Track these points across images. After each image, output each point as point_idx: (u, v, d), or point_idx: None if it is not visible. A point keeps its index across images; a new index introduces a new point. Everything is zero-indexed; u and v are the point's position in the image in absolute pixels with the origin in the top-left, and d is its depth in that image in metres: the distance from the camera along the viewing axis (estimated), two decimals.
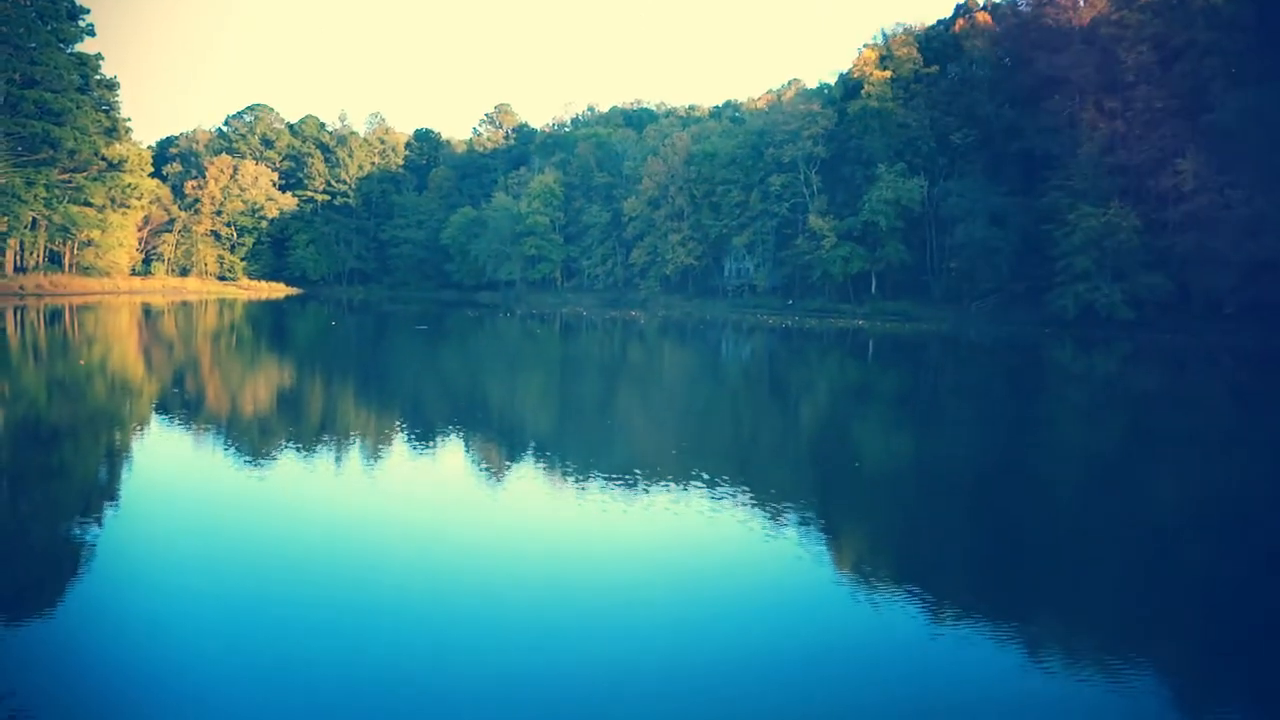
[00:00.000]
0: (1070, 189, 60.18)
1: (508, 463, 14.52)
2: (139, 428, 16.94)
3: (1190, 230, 54.14)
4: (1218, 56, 54.53)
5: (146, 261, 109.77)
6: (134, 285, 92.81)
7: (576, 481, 12.92)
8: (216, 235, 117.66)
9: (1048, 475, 15.27)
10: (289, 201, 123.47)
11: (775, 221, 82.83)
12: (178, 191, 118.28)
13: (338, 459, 14.20)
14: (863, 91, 76.17)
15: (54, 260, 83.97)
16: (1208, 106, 54.14)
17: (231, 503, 11.27)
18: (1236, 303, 51.27)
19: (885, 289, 75.38)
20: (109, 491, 11.91)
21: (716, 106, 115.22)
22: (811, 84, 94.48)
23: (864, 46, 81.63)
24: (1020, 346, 46.59)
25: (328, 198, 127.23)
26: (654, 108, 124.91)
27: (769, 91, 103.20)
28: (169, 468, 13.25)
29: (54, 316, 49.67)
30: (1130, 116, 58.97)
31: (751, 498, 11.95)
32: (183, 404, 20.12)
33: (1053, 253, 59.01)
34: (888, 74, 75.53)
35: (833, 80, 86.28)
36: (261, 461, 13.86)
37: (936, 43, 76.91)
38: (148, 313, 59.22)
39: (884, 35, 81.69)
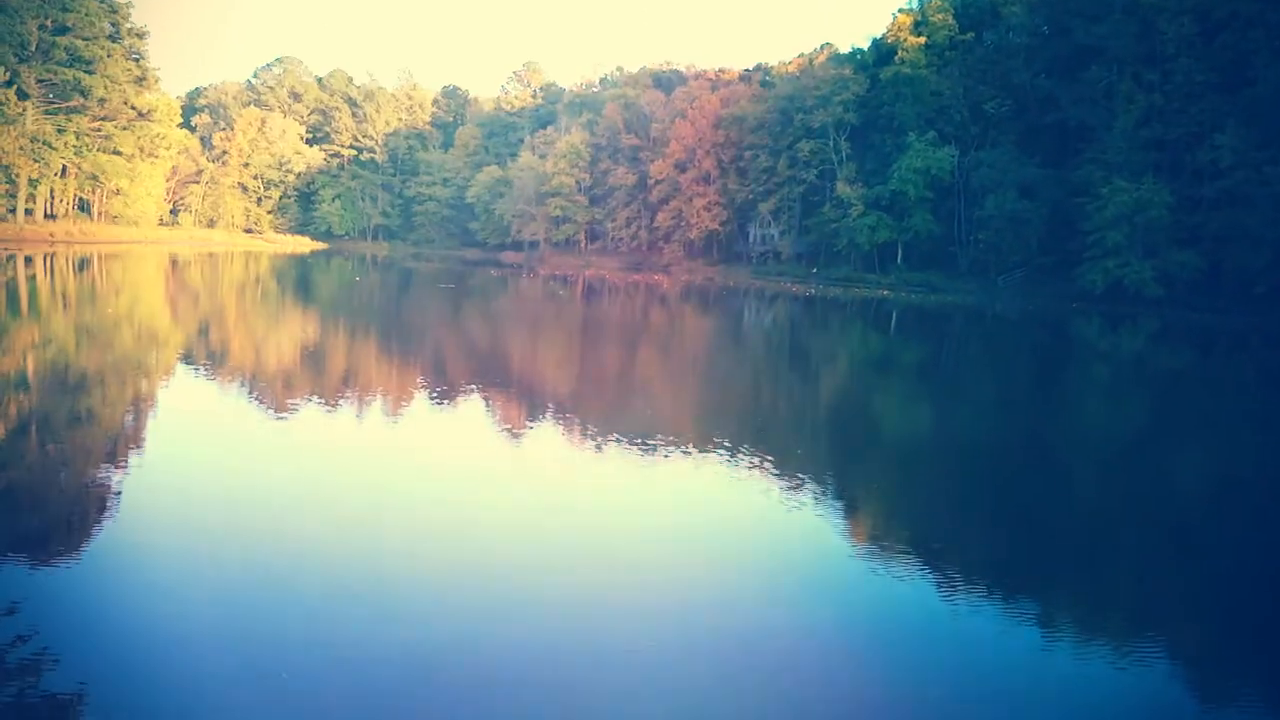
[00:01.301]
0: (1104, 162, 59.19)
1: (526, 425, 14.58)
2: (164, 376, 17.11)
3: (1225, 207, 53.22)
4: (1261, 29, 53.23)
5: (174, 212, 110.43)
6: (161, 235, 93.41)
7: (595, 445, 12.97)
8: (243, 188, 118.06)
9: (1069, 453, 15.18)
10: (315, 156, 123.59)
11: (802, 188, 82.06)
12: (206, 143, 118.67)
13: (359, 413, 14.31)
14: (896, 57, 75.02)
15: (83, 209, 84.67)
16: (1249, 80, 52.96)
17: (252, 451, 11.39)
18: (1269, 283, 50.44)
19: (911, 259, 74.66)
20: (134, 438, 12.06)
21: (746, 70, 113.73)
22: (844, 48, 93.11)
23: (899, 11, 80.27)
24: (1046, 321, 46.15)
25: (354, 153, 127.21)
26: (683, 69, 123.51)
27: (800, 55, 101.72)
28: (193, 416, 13.39)
29: (83, 264, 50.12)
30: (1169, 89, 57.78)
31: (770, 466, 11.95)
32: (207, 354, 20.30)
33: (1083, 227, 58.15)
34: (922, 40, 74.32)
35: (865, 45, 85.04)
36: (282, 412, 13.98)
37: (973, 9, 75.43)
38: (174, 263, 59.62)
39: (919, 0, 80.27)
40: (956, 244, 72.34)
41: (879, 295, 61.53)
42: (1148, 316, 50.58)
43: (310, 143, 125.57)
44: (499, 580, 7.62)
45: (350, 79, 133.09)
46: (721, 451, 12.47)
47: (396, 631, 6.50)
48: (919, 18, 76.97)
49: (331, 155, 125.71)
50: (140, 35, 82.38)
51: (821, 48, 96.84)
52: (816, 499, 10.49)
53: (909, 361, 28.02)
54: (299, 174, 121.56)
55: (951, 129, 72.26)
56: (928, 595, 7.75)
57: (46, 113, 73.03)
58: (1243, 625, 7.84)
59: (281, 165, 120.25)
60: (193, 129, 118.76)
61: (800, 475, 11.60)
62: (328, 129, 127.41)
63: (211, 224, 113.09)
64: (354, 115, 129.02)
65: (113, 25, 78.88)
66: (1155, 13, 58.11)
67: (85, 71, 74.30)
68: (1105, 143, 59.82)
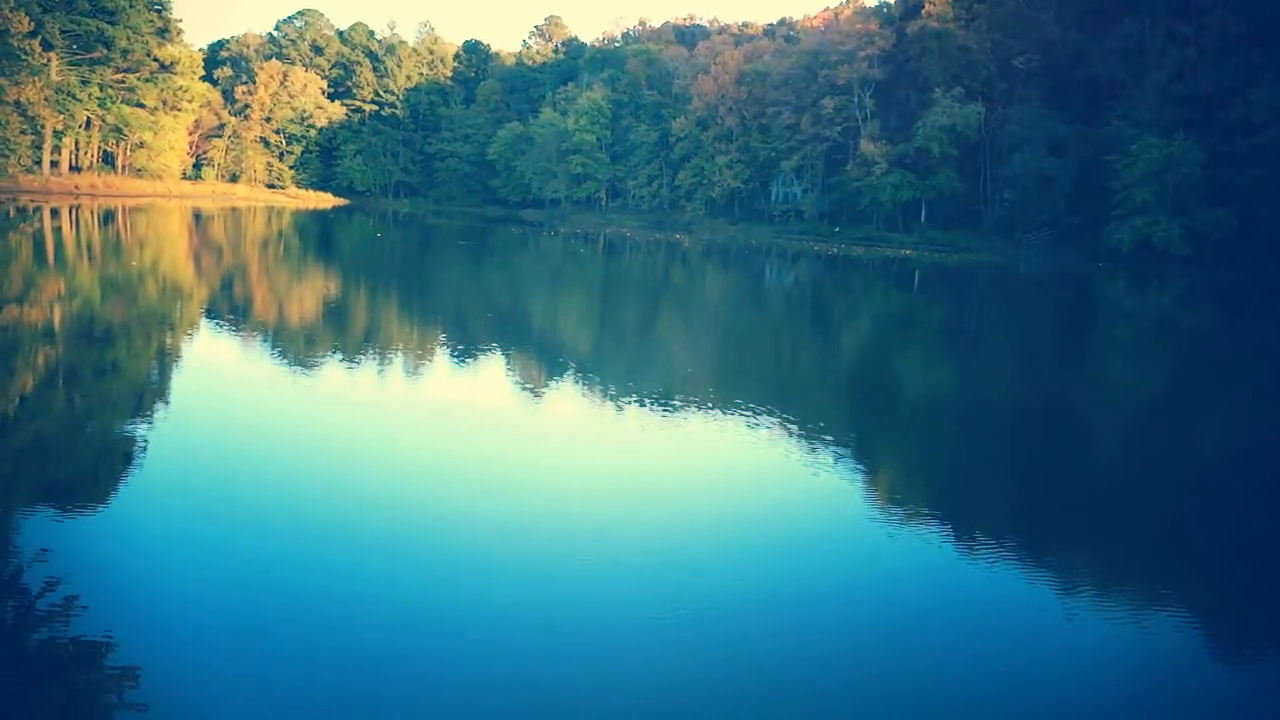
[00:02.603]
0: (1134, 118, 58.12)
1: (546, 384, 14.64)
2: (189, 330, 17.28)
3: (1257, 164, 52.25)
4: None
5: (197, 166, 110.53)
6: (184, 189, 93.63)
7: (615, 405, 13.01)
8: (266, 142, 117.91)
9: (1091, 413, 15.09)
10: (337, 111, 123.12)
11: (825, 146, 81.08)
12: (228, 96, 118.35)
13: (379, 369, 14.41)
14: (923, 11, 73.59)
15: (107, 161, 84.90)
16: None
17: (276, 404, 11.51)
18: None
19: (935, 218, 73.86)
20: (160, 390, 12.20)
21: (771, 24, 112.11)
22: (870, 2, 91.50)
23: None
24: (1073, 281, 45.66)
25: (375, 108, 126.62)
26: (707, 24, 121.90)
27: (826, 9, 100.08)
28: (217, 369, 13.52)
29: (107, 217, 50.40)
30: (1203, 43, 56.51)
31: (791, 428, 11.96)
32: (230, 309, 20.44)
33: (1111, 185, 57.26)
34: None
35: None
36: (305, 366, 14.10)
37: None
38: (198, 217, 59.86)
39: None
40: (982, 202, 71.48)
41: (902, 254, 61.01)
42: (1176, 275, 49.95)
43: (332, 97, 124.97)
44: (515, 545, 7.70)
45: (372, 32, 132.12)
46: (743, 412, 12.48)
47: (415, 587, 6.60)
48: None
49: (353, 110, 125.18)
50: None
51: (847, 1, 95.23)
52: (837, 459, 10.51)
53: (931, 322, 27.85)
54: (321, 129, 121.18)
55: (978, 85, 71.07)
56: (946, 554, 7.77)
57: (70, 64, 73.04)
58: (1265, 584, 7.83)
59: (303, 120, 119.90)
60: (215, 82, 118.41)
61: (822, 436, 11.61)
62: (349, 83, 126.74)
63: (234, 178, 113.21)
64: (375, 70, 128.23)
65: None
66: None
67: (108, 22, 74.12)
68: (1136, 98, 58.71)
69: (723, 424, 11.63)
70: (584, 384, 14.54)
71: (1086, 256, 58.92)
